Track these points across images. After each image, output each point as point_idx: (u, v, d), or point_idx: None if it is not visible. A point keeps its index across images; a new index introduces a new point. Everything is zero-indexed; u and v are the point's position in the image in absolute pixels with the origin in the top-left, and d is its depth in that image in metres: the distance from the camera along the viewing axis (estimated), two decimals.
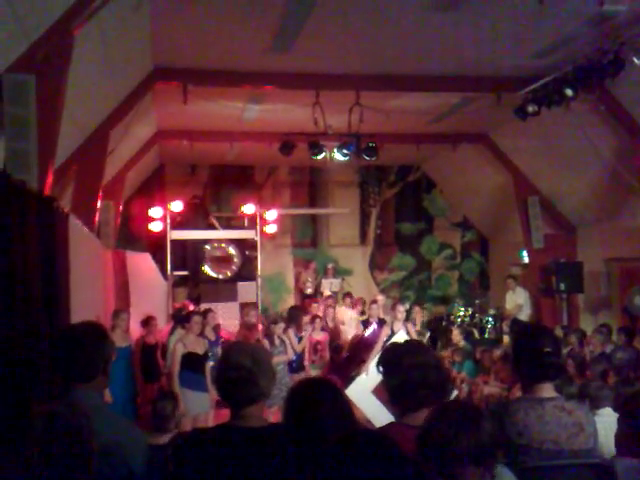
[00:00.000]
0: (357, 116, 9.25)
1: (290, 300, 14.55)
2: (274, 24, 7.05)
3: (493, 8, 6.79)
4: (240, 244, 13.14)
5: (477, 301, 14.18)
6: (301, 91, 9.08)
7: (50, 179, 5.37)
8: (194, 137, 11.65)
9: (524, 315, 11.99)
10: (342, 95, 8.98)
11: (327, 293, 13.19)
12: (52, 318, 4.35)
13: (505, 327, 12.22)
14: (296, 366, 9.05)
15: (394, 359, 2.75)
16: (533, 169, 12.11)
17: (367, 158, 10.46)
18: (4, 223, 3.61)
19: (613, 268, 11.66)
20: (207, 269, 12.86)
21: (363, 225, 15.85)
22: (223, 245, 12.96)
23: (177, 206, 12.38)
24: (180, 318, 9.18)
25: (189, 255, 13.47)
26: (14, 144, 4.75)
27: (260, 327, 10.05)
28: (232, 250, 12.95)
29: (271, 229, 13.37)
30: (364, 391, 8.36)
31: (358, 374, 8.98)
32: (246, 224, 13.35)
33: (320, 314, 10.56)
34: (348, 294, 12.49)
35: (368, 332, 10.05)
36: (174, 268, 12.49)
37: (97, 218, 8.85)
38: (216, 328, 9.30)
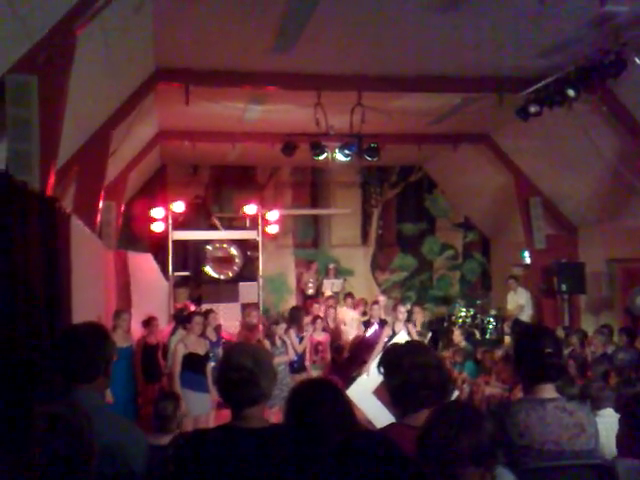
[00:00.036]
0: (359, 117, 9.25)
1: (291, 301, 14.54)
2: (276, 25, 7.06)
3: (494, 9, 6.79)
4: (242, 244, 13.14)
5: (478, 301, 14.18)
6: (303, 92, 9.08)
7: (52, 179, 5.38)
8: (196, 138, 11.66)
9: (525, 316, 11.99)
10: (344, 96, 8.98)
11: (328, 293, 13.18)
12: (54, 318, 4.36)
13: (506, 328, 12.21)
14: (297, 367, 9.05)
15: (395, 360, 2.74)
16: (535, 170, 12.10)
17: (369, 158, 10.46)
18: (6, 223, 3.61)
19: (615, 269, 11.65)
20: (208, 269, 12.87)
21: (365, 225, 15.85)
22: (225, 245, 12.96)
23: (179, 207, 12.37)
24: (181, 318, 9.19)
25: (190, 255, 13.50)
26: (16, 145, 4.76)
27: (261, 328, 10.05)
28: (234, 250, 12.96)
29: (273, 229, 13.37)
30: (365, 392, 8.36)
31: (359, 375, 8.99)
32: (248, 224, 13.34)
33: (321, 315, 10.56)
34: (349, 294, 12.50)
35: (369, 333, 10.05)
36: (175, 268, 12.49)
37: (99, 218, 8.86)
38: (217, 329, 9.30)
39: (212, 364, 7.67)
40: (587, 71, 7.96)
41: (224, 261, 12.90)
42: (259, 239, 12.96)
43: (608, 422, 4.11)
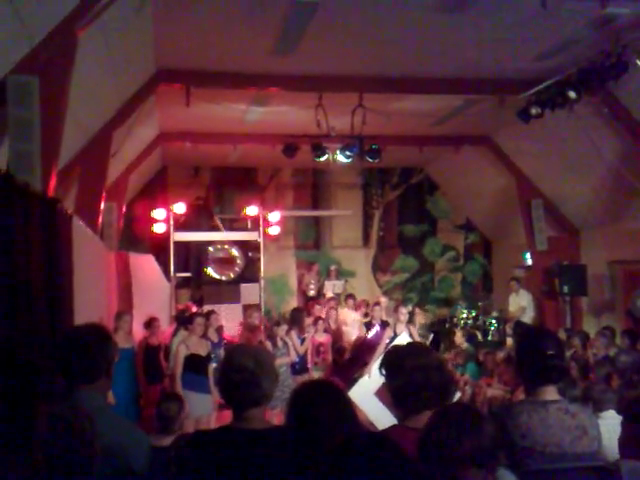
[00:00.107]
0: (360, 118, 9.25)
1: (293, 302, 14.54)
2: (277, 26, 7.06)
3: (496, 10, 6.79)
4: (243, 246, 13.14)
5: (480, 303, 14.16)
6: (304, 93, 9.08)
7: (53, 180, 5.38)
8: (197, 139, 11.67)
9: (527, 317, 11.97)
10: (345, 97, 8.98)
11: (330, 295, 13.18)
12: (55, 319, 4.35)
13: (508, 329, 12.20)
14: (299, 368, 9.05)
15: (396, 361, 2.74)
16: (536, 172, 12.10)
17: (370, 160, 10.46)
18: (7, 224, 3.61)
19: (616, 271, 11.63)
20: (210, 271, 12.87)
21: (366, 227, 15.84)
22: (226, 247, 12.97)
23: (180, 208, 12.38)
24: (183, 320, 9.20)
25: (192, 257, 13.49)
26: (18, 145, 4.76)
27: (262, 329, 10.04)
28: (235, 252, 12.96)
29: (274, 231, 13.37)
30: (367, 393, 8.35)
31: (361, 376, 8.98)
32: (249, 226, 13.35)
33: (323, 316, 10.55)
34: (351, 296, 12.50)
35: (371, 334, 10.04)
36: (177, 270, 12.49)
37: (100, 220, 8.86)
38: (219, 330, 9.31)
39: (214, 365, 7.67)
40: (588, 73, 7.95)
41: (225, 262, 12.90)
42: (260, 240, 12.96)
43: (610, 424, 4.10)
